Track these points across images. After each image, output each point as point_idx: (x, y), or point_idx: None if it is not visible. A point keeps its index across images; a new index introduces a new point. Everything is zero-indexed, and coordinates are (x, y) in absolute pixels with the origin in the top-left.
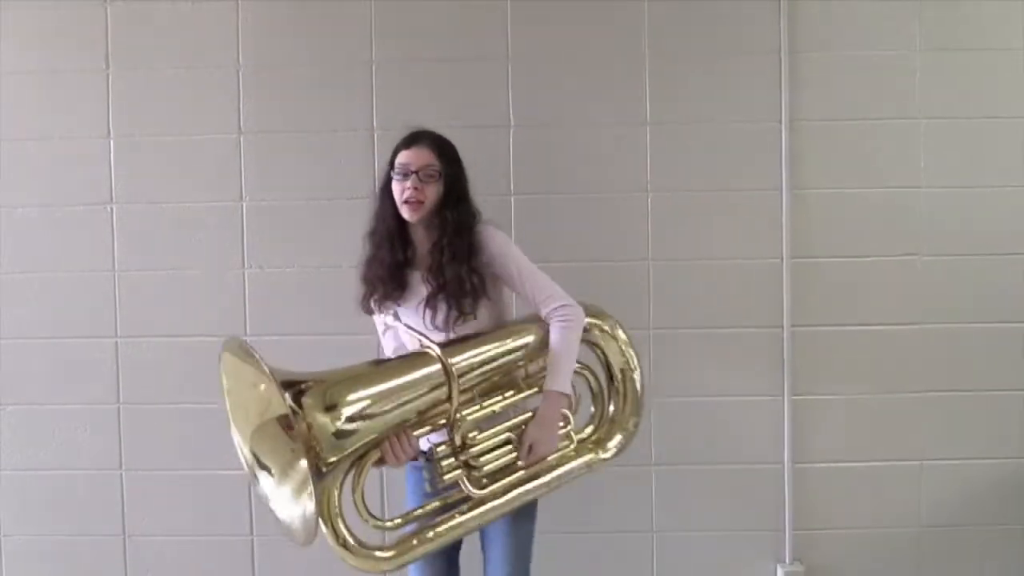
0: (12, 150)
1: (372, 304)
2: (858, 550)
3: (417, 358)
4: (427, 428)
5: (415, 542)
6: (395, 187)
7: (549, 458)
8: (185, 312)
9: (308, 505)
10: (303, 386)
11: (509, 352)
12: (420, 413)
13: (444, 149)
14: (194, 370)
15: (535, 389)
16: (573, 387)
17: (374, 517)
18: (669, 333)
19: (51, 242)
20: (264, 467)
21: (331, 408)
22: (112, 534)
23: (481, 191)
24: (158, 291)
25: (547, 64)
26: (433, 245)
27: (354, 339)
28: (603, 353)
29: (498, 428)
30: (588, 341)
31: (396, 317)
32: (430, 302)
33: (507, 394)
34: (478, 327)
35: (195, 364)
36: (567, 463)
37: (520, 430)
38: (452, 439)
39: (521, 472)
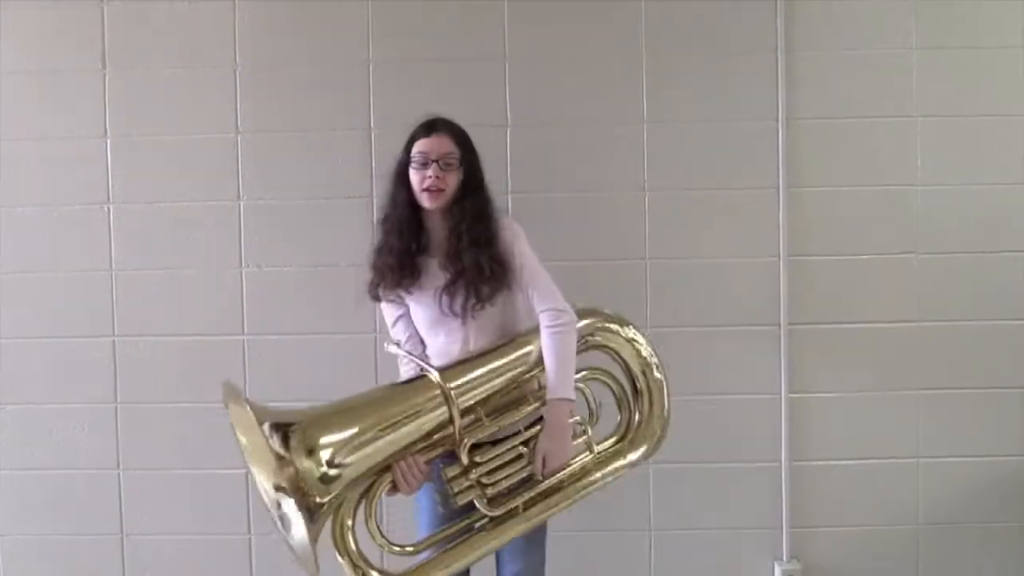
0: (9, 150)
1: (380, 292)
2: (856, 548)
3: (415, 384)
4: (436, 452)
5: (436, 566)
6: (413, 175)
7: (570, 470)
8: (183, 312)
9: (306, 546)
10: (289, 429)
11: (510, 368)
12: (422, 439)
13: (462, 137)
14: (192, 369)
15: (542, 402)
16: (593, 395)
17: (391, 543)
18: (667, 332)
19: (48, 242)
20: (279, 504)
21: (312, 452)
22: (110, 533)
23: None
24: (156, 291)
25: (544, 63)
26: (451, 232)
27: (352, 338)
28: (617, 355)
29: (508, 444)
30: (598, 345)
31: (397, 345)
32: (448, 288)
33: (514, 410)
34: (494, 315)
35: (193, 363)
36: (592, 473)
37: (533, 444)
38: (460, 460)
39: (541, 487)
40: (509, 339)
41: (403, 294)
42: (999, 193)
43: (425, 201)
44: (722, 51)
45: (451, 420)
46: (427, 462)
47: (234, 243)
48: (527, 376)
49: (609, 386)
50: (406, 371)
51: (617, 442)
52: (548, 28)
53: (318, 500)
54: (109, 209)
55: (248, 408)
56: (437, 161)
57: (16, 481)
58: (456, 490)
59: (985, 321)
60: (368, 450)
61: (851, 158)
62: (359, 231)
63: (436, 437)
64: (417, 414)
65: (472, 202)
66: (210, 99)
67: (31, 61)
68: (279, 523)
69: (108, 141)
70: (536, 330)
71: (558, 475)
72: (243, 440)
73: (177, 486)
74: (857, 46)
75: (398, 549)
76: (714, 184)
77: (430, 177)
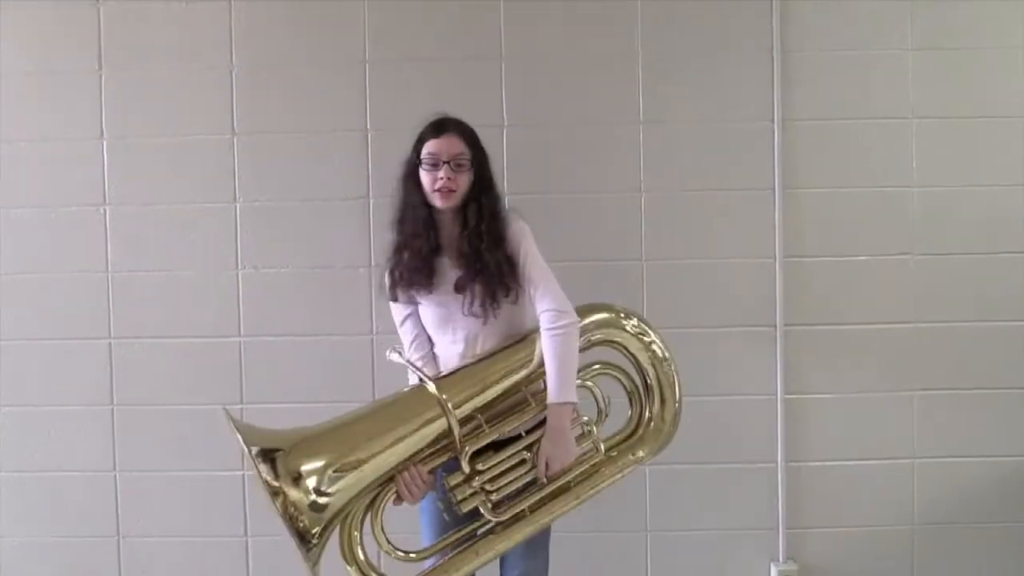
0: (5, 151)
1: (398, 292)
2: (852, 548)
3: (412, 397)
4: (439, 460)
5: (444, 571)
6: (424, 176)
7: (578, 470)
8: (179, 313)
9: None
10: (275, 455)
11: (511, 373)
12: (422, 451)
13: (472, 136)
14: (188, 371)
15: (543, 405)
16: (602, 392)
17: (396, 550)
18: (663, 332)
19: (45, 243)
20: None
21: (298, 480)
22: (106, 535)
23: None
24: (152, 292)
25: (541, 64)
26: (463, 231)
27: (348, 340)
28: (626, 349)
29: (511, 450)
30: (606, 340)
31: (399, 353)
32: (466, 288)
33: (515, 415)
34: (505, 314)
35: (189, 365)
36: (601, 471)
37: (536, 448)
38: (462, 468)
39: (546, 490)
40: (511, 342)
41: (417, 294)
42: (995, 194)
43: (437, 201)
44: (718, 52)
45: (450, 430)
46: (430, 471)
47: (231, 245)
48: (528, 379)
49: (620, 381)
50: (413, 376)
51: (627, 438)
52: (545, 29)
53: (311, 528)
54: (105, 211)
55: (237, 434)
56: (448, 162)
57: (12, 482)
58: (459, 498)
59: (981, 322)
60: (361, 472)
61: (847, 159)
62: (356, 233)
63: (437, 447)
64: (414, 429)
65: (485, 200)
66: (206, 100)
67: (27, 62)
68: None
69: (104, 142)
70: (538, 332)
71: (564, 477)
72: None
73: (174, 488)
74: (853, 47)
75: (402, 555)
76: (710, 185)
77: (442, 178)
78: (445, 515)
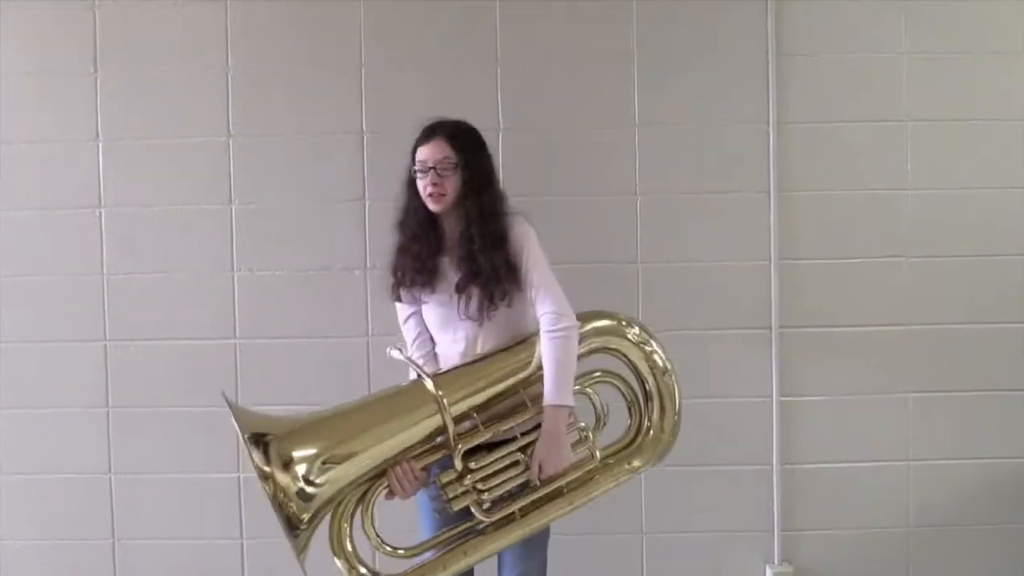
0: (0, 153)
1: (401, 292)
2: (847, 551)
3: (409, 391)
4: (433, 457)
5: (432, 570)
6: (418, 182)
7: (572, 475)
8: (174, 315)
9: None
10: (267, 438)
11: (508, 374)
12: (415, 446)
13: (460, 138)
14: (184, 373)
15: (540, 408)
16: (601, 399)
17: (385, 544)
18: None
19: (40, 245)
20: None
21: (288, 465)
22: (101, 538)
23: None
24: (147, 294)
25: (536, 67)
26: (461, 234)
27: (344, 342)
28: (626, 358)
29: (505, 450)
30: (605, 348)
31: (399, 351)
32: (462, 290)
33: (511, 416)
34: (506, 317)
35: (185, 367)
36: (596, 478)
37: (531, 451)
38: (455, 466)
39: (539, 493)
40: (511, 343)
41: (419, 293)
42: (989, 197)
43: (430, 205)
44: (713, 55)
45: (445, 427)
46: (423, 468)
47: (226, 247)
48: (526, 382)
49: (619, 389)
50: (413, 374)
51: (624, 448)
52: (540, 32)
53: (299, 515)
54: (101, 212)
55: (233, 416)
56: (435, 167)
57: (7, 485)
58: (451, 495)
59: (975, 324)
60: (352, 463)
61: (841, 162)
62: (351, 235)
63: (431, 444)
64: (408, 423)
65: (476, 202)
66: (202, 102)
67: (22, 63)
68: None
69: (100, 144)
70: (539, 334)
71: (557, 481)
72: None
73: (169, 490)
74: (848, 51)
75: (390, 549)
76: (706, 187)
77: (429, 184)
78: (436, 513)
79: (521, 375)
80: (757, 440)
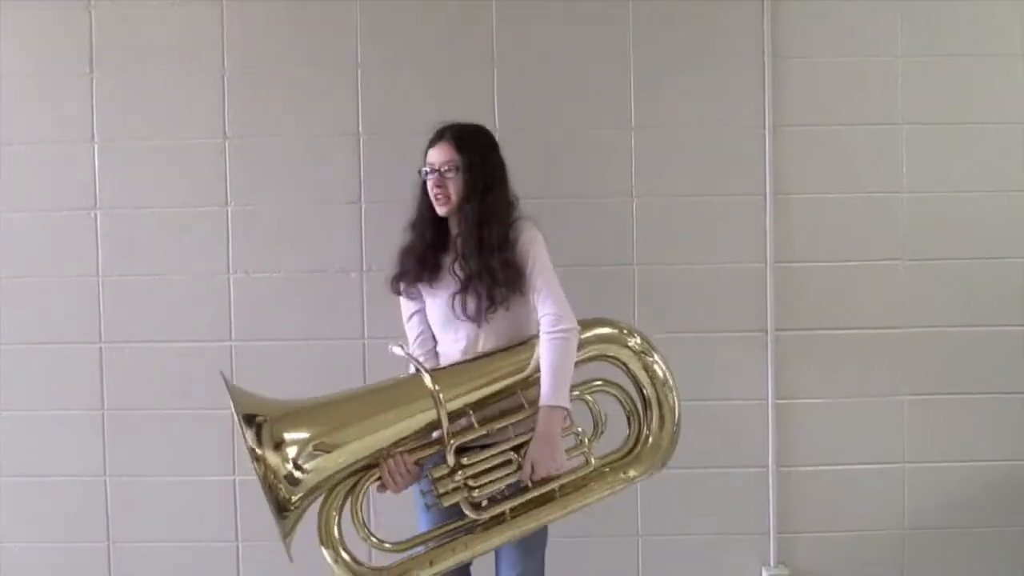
0: None
1: (401, 286)
2: (842, 553)
3: (406, 384)
4: (427, 452)
5: (418, 565)
6: (427, 184)
7: (565, 480)
8: (170, 317)
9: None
10: (260, 419)
11: (507, 374)
12: (409, 439)
13: (465, 141)
14: (179, 376)
15: (536, 409)
16: (600, 408)
17: (372, 536)
18: (655, 337)
19: (35, 247)
20: None
21: (279, 447)
22: (96, 541)
23: None
24: (143, 296)
25: (533, 69)
26: (457, 236)
27: (340, 344)
28: (626, 367)
29: (497, 449)
30: (604, 355)
31: (401, 347)
32: (460, 292)
33: (507, 415)
34: (507, 319)
35: (180, 370)
36: (590, 485)
37: (524, 451)
38: (447, 460)
39: (530, 495)
40: (512, 344)
41: (423, 288)
42: (985, 200)
43: (436, 207)
44: (710, 57)
45: (439, 422)
46: (416, 462)
47: (222, 248)
48: (524, 382)
49: (619, 399)
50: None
51: (622, 457)
52: (537, 34)
53: (288, 498)
54: (96, 214)
55: (230, 396)
56: (439, 170)
57: (2, 487)
58: (442, 491)
59: (970, 327)
60: (343, 451)
61: (838, 165)
62: (348, 236)
63: (425, 438)
64: (403, 415)
65: (476, 205)
66: (198, 103)
67: (18, 64)
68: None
69: (96, 145)
70: (538, 337)
71: (550, 484)
72: None
73: (164, 493)
74: (844, 53)
75: (376, 541)
76: (702, 190)
77: (433, 187)
78: (427, 508)
79: (519, 376)
80: (753, 442)
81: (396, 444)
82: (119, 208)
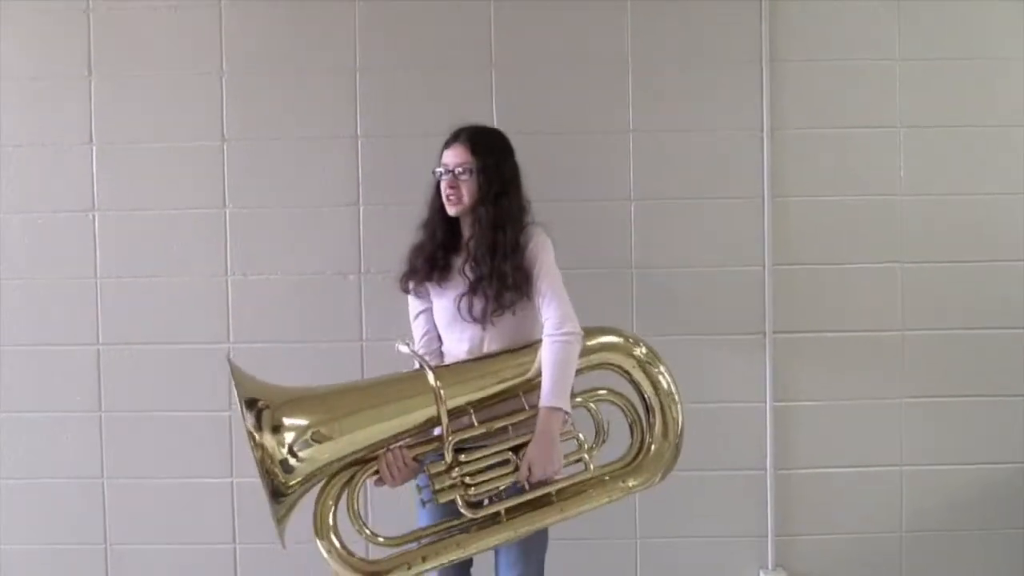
0: None
1: (410, 284)
2: (840, 556)
3: (409, 379)
4: (425, 448)
5: (411, 560)
6: (441, 184)
7: (563, 484)
8: (168, 319)
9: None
10: (261, 404)
11: (509, 375)
12: (407, 433)
13: (480, 144)
14: (177, 378)
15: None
16: (602, 416)
17: (365, 528)
18: (652, 340)
19: (34, 249)
20: None
21: (277, 431)
22: (94, 543)
23: None
24: (141, 298)
25: (531, 72)
26: (470, 238)
27: (338, 346)
28: (629, 376)
29: (495, 448)
30: (610, 364)
31: (407, 346)
32: (468, 293)
33: (507, 416)
34: (513, 323)
35: (178, 372)
36: (588, 491)
37: (523, 452)
38: (445, 457)
39: (527, 496)
40: (517, 346)
41: (431, 287)
42: (983, 203)
43: (447, 208)
44: (708, 61)
45: (439, 418)
46: (415, 458)
47: (220, 251)
48: (526, 384)
49: (623, 409)
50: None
51: (625, 466)
52: (535, 37)
53: (285, 483)
54: (94, 216)
55: (233, 379)
56: (452, 172)
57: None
58: (438, 487)
59: (969, 330)
60: (340, 441)
61: (836, 168)
62: (346, 239)
63: (424, 435)
64: (403, 409)
65: (488, 209)
66: (196, 106)
67: (16, 67)
68: None
69: (94, 147)
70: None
71: (548, 487)
72: None
73: (162, 495)
74: (841, 56)
75: (368, 534)
76: (700, 193)
77: (446, 188)
78: (423, 503)
79: (522, 378)
80: (751, 445)
81: (395, 438)
82: (118, 210)
